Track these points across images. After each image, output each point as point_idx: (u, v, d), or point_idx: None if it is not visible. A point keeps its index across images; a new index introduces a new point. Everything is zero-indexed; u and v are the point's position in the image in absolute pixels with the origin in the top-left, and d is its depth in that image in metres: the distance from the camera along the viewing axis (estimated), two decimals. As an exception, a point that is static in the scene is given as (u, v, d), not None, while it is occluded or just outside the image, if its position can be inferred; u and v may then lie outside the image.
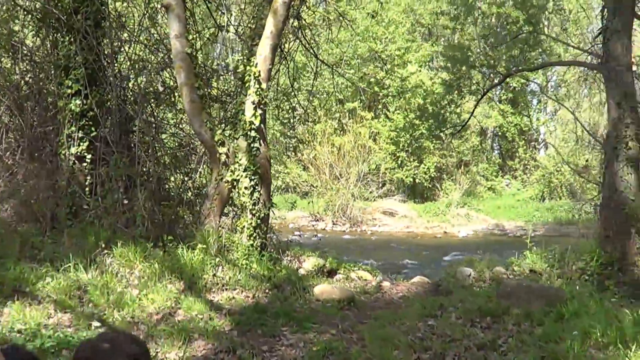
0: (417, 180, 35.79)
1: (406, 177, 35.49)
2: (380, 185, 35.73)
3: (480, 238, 28.74)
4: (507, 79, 20.94)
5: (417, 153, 36.14)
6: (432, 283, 12.80)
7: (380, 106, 37.19)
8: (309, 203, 24.99)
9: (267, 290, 9.93)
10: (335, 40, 25.01)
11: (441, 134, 35.89)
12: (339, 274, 12.45)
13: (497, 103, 36.47)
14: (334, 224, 30.61)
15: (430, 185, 36.48)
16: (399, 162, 35.82)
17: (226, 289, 9.65)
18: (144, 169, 12.06)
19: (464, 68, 16.56)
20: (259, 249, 11.00)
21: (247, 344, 7.54)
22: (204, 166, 12.79)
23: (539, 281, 11.55)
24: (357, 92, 34.60)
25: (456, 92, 18.40)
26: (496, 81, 19.56)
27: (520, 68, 15.10)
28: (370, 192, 34.20)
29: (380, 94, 36.02)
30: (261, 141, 11.18)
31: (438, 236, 29.21)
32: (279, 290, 10.07)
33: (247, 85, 11.21)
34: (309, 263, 12.31)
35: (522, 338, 7.88)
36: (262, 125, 11.22)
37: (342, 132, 34.22)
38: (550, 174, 36.32)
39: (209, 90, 12.30)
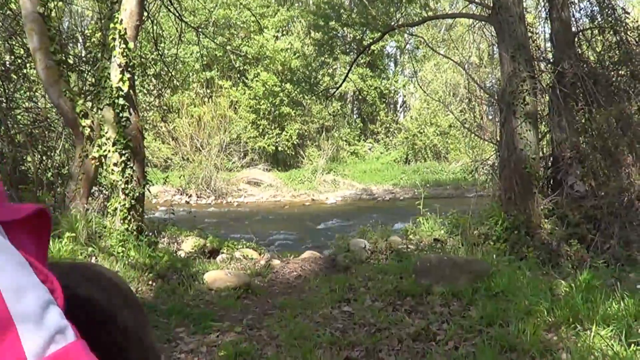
0: (279, 148, 34.75)
1: (268, 145, 34.35)
2: (243, 155, 34.48)
3: (349, 204, 28.22)
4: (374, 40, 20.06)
5: (278, 121, 35.02)
6: (324, 258, 11.63)
7: (237, 74, 35.67)
8: (167, 177, 23.37)
9: (150, 282, 8.41)
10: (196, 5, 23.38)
11: (302, 100, 34.94)
12: (222, 253, 11.21)
13: (356, 66, 35.65)
14: (198, 197, 29.26)
15: (293, 153, 35.46)
16: (261, 130, 34.67)
17: (103, 285, 8.09)
18: None
19: (337, 25, 15.38)
20: (135, 233, 9.50)
21: (138, 353, 6.10)
22: (65, 143, 11.08)
23: (444, 251, 10.60)
24: (214, 61, 33.00)
25: (328, 52, 17.27)
26: (375, 37, 18.47)
27: (401, 24, 14.02)
28: (233, 163, 33.24)
29: (237, 63, 34.52)
30: (131, 110, 9.64)
31: (306, 204, 28.35)
32: (164, 281, 8.56)
33: (111, 46, 9.56)
34: (188, 244, 11.01)
35: (459, 322, 6.77)
36: (131, 92, 9.66)
37: (201, 103, 32.60)
38: (413, 136, 36.03)
39: (66, 58, 10.56)
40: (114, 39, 9.48)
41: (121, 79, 9.43)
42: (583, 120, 11.56)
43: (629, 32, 11.86)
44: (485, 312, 6.82)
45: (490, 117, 38.84)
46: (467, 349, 6.01)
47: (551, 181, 11.59)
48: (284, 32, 37.72)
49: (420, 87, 30.32)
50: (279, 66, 34.09)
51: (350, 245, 11.58)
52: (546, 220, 10.93)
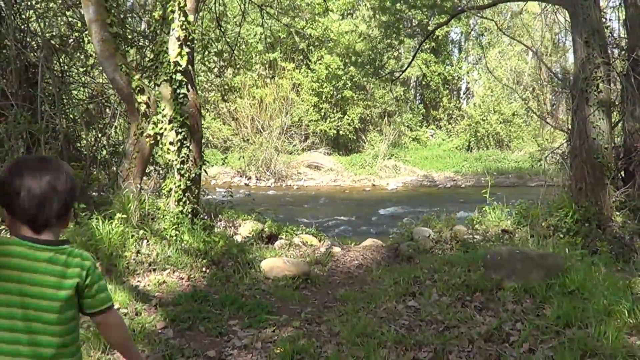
0: (341, 132, 34.27)
1: (330, 129, 33.82)
2: (304, 138, 34.05)
3: (410, 190, 27.79)
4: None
5: (340, 104, 34.46)
6: (387, 246, 11.01)
7: (301, 57, 35.10)
8: (226, 158, 22.95)
9: (204, 269, 7.87)
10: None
11: (365, 84, 34.27)
12: (280, 239, 10.65)
13: (420, 52, 34.76)
14: (257, 179, 29.01)
15: (354, 137, 34.99)
16: (322, 114, 34.20)
17: (154, 270, 7.57)
18: (50, 125, 9.94)
19: (404, 7, 14.74)
20: (189, 216, 9.00)
21: (188, 348, 5.58)
22: (121, 120, 10.65)
23: (513, 243, 9.88)
24: (277, 43, 32.50)
25: (394, 34, 16.63)
26: (442, 21, 17.69)
27: (471, 6, 13.32)
28: (294, 146, 33.01)
29: (301, 45, 33.95)
30: (189, 86, 9.11)
31: (367, 189, 27.96)
32: (218, 268, 8.01)
33: (170, 19, 9.03)
34: (246, 228, 10.46)
35: (533, 322, 6.10)
36: (189, 67, 9.14)
37: (263, 84, 32.18)
38: (476, 124, 35.19)
39: (124, 31, 10.08)
40: (172, 12, 8.96)
41: (179, 53, 8.91)
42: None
43: None
44: (561, 312, 6.21)
45: (553, 105, 37.99)
46: (544, 353, 5.48)
47: (622, 172, 10.87)
48: (349, 15, 37.09)
49: (489, 71, 29.30)
50: (343, 49, 33.42)
51: (413, 233, 11.00)
52: (617, 213, 10.32)
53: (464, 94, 41.35)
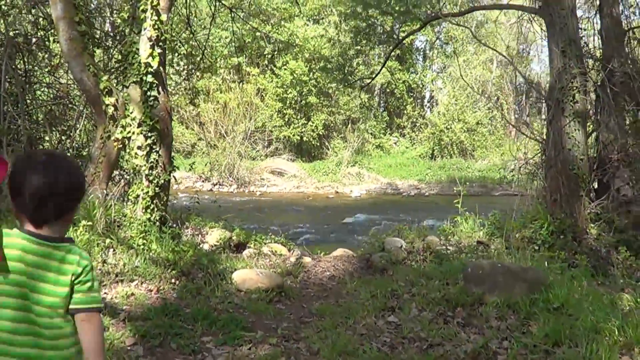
0: (304, 139, 33.97)
1: (293, 135, 33.57)
2: (267, 144, 33.72)
3: (374, 198, 27.76)
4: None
5: (304, 110, 34.21)
6: (358, 257, 10.69)
7: (266, 62, 34.72)
8: (193, 164, 22.57)
9: (173, 280, 7.48)
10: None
11: (329, 91, 34.05)
12: (249, 247, 10.28)
13: (379, 61, 34.67)
14: (220, 184, 28.54)
15: (318, 144, 34.77)
16: (286, 119, 33.94)
17: (121, 281, 7.15)
18: (12, 126, 9.74)
19: (376, 13, 14.45)
20: (157, 224, 8.62)
21: (159, 367, 5.20)
22: (85, 122, 10.22)
23: (488, 254, 9.66)
24: (243, 47, 32.13)
25: (364, 41, 16.34)
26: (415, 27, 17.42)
27: (446, 13, 13.06)
28: (257, 151, 32.59)
29: (267, 50, 33.60)
30: (160, 88, 8.74)
31: (330, 196, 27.74)
32: (188, 279, 7.62)
33: (141, 18, 8.65)
34: (213, 236, 10.08)
35: (520, 340, 5.86)
36: (160, 69, 8.76)
37: (227, 89, 31.96)
38: (440, 132, 35.16)
39: (91, 30, 9.68)
40: (144, 10, 8.57)
41: (151, 54, 8.54)
42: (633, 122, 10.64)
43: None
44: (548, 329, 6.01)
45: (517, 116, 38.20)
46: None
47: (596, 184, 10.76)
48: (315, 21, 36.83)
49: (462, 77, 29.12)
50: (309, 55, 33.16)
51: (385, 244, 10.73)
52: (592, 225, 10.12)
53: (428, 102, 41.30)
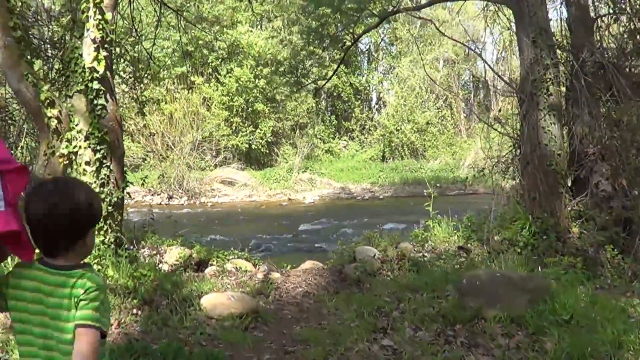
0: (253, 146, 33.13)
1: (242, 143, 32.72)
2: (216, 153, 32.91)
3: (328, 203, 27.29)
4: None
5: (251, 118, 33.36)
6: (329, 269, 9.83)
7: (210, 70, 33.69)
8: (145, 177, 21.63)
9: (135, 311, 6.51)
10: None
11: (276, 97, 33.22)
12: (211, 265, 9.39)
13: (331, 62, 33.91)
14: (170, 197, 27.51)
15: (267, 151, 34.00)
16: (234, 128, 33.09)
17: (76, 315, 6.17)
18: None
19: (329, 12, 13.67)
20: (112, 246, 7.62)
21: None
22: (27, 139, 9.19)
23: (469, 260, 8.93)
24: (185, 57, 31.12)
25: (317, 41, 15.62)
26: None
27: (407, 7, 12.33)
28: (206, 162, 31.91)
29: (210, 58, 32.60)
30: (107, 96, 7.77)
31: (284, 204, 27.16)
32: (152, 308, 6.63)
33: (84, 17, 7.66)
34: (172, 255, 9.19)
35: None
36: (107, 74, 7.79)
37: (172, 100, 31.33)
38: (390, 134, 34.62)
39: (28, 37, 8.65)
40: (87, 9, 7.59)
41: (96, 57, 7.57)
42: (608, 113, 10.01)
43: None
44: (566, 346, 5.23)
45: (465, 115, 37.91)
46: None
47: (571, 180, 10.13)
48: (258, 25, 35.98)
49: (425, 72, 28.49)
50: (253, 61, 32.22)
51: (356, 253, 9.94)
52: (574, 224, 9.47)
53: (376, 104, 40.73)
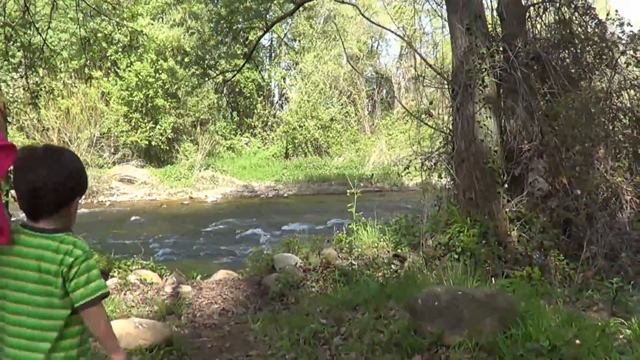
0: (153, 143, 31.58)
1: (141, 140, 31.17)
2: (114, 150, 31.41)
3: (231, 202, 26.28)
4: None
5: (151, 113, 31.85)
6: (246, 280, 8.69)
7: (109, 64, 31.84)
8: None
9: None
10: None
11: (177, 92, 31.76)
12: (112, 277, 8.19)
13: (233, 58, 32.72)
14: (65, 196, 25.45)
15: (167, 148, 32.59)
16: (133, 124, 31.50)
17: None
18: None
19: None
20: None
21: None
22: None
23: (407, 270, 7.96)
24: (83, 47, 29.23)
25: (227, 29, 14.42)
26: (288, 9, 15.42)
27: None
28: (104, 159, 30.46)
29: (109, 51, 30.78)
30: (-13, 81, 6.40)
31: (185, 202, 26.00)
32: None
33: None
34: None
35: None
36: (-13, 56, 6.41)
37: (69, 94, 29.65)
38: (293, 130, 33.74)
39: None
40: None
41: (-28, 36, 6.20)
42: (545, 107, 9.18)
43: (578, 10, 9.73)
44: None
45: (368, 112, 37.38)
46: None
47: (505, 177, 9.14)
48: (160, 18, 34.34)
49: (348, 62, 27.65)
50: (154, 55, 30.59)
51: (275, 262, 8.89)
52: (513, 226, 8.60)
53: (278, 100, 39.64)
